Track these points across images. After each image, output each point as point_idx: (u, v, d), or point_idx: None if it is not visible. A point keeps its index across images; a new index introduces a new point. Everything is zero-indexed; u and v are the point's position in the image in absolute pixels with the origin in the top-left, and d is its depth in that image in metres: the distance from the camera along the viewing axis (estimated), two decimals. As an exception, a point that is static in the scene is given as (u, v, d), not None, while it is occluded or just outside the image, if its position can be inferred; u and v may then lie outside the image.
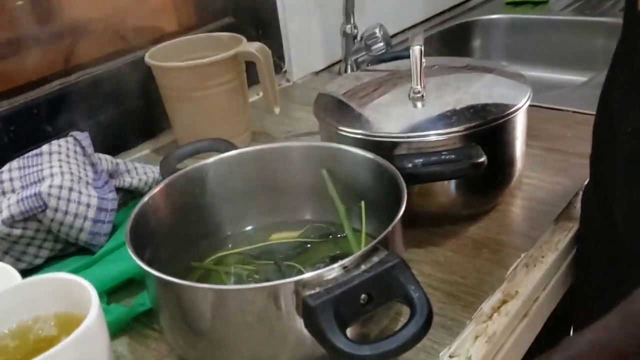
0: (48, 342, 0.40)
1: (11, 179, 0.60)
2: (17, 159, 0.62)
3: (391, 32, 1.09)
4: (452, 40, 1.36)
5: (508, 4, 1.45)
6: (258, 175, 0.60)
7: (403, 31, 1.29)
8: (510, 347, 0.53)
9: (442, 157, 0.56)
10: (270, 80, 0.81)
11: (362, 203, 0.55)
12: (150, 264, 0.45)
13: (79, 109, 0.79)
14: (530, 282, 0.56)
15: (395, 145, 0.58)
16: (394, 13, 1.25)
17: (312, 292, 0.40)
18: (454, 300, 0.53)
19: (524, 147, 0.64)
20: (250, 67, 0.81)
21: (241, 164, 0.59)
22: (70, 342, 0.36)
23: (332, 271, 0.42)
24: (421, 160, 0.55)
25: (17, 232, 0.58)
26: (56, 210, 0.58)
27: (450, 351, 0.48)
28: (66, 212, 0.59)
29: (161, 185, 0.55)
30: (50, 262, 0.62)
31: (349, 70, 1.07)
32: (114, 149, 0.81)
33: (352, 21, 1.07)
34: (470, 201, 0.62)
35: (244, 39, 0.81)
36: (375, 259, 0.43)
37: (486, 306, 0.53)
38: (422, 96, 0.61)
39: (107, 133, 0.81)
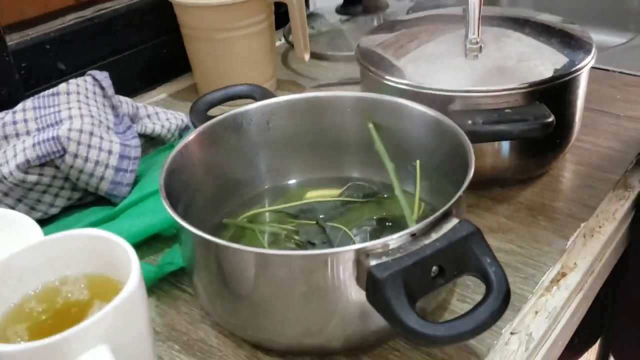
0: (80, 307, 0.36)
1: (25, 120, 0.55)
2: (32, 98, 0.57)
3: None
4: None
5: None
6: (299, 126, 0.55)
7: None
8: (566, 322, 0.49)
9: (506, 115, 0.51)
10: (302, 24, 0.75)
11: (417, 162, 0.50)
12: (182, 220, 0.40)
13: (94, 47, 0.73)
14: (589, 253, 0.52)
15: (450, 100, 0.53)
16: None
17: (379, 261, 0.36)
18: (513, 271, 0.49)
19: (583, 109, 0.59)
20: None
21: (282, 113, 0.54)
22: (113, 309, 0.31)
23: (400, 239, 0.37)
24: (482, 118, 0.50)
25: (32, 178, 0.53)
26: (76, 156, 0.53)
27: (512, 327, 0.44)
28: (86, 159, 0.54)
29: (195, 133, 0.50)
30: (66, 212, 0.57)
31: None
32: (129, 91, 0.75)
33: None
34: (524, 164, 0.58)
35: (276, -22, 0.75)
36: (446, 227, 0.38)
37: (546, 279, 0.49)
38: (480, 47, 0.56)
39: (122, 73, 0.75)
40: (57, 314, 0.36)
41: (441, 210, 0.38)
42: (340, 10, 0.92)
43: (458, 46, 0.58)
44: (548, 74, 0.53)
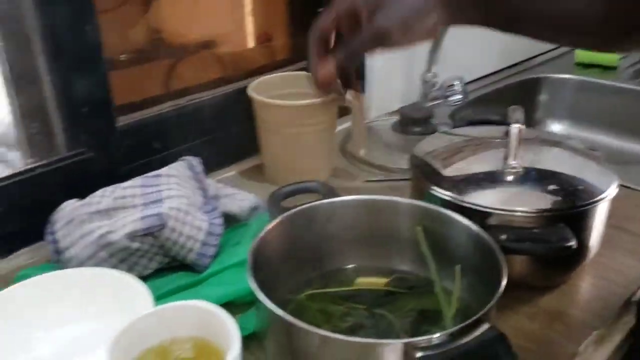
0: (187, 364, 0.46)
1: (133, 195, 0.67)
2: (139, 177, 0.69)
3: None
4: (519, 93, 1.41)
5: (578, 64, 1.49)
6: (357, 221, 0.65)
7: (475, 80, 1.34)
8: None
9: (533, 234, 0.60)
10: (362, 124, 0.86)
11: (458, 267, 0.60)
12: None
13: (183, 130, 0.85)
14: (598, 358, 0.60)
15: (487, 215, 0.63)
16: (469, 63, 1.30)
17: (424, 354, 0.45)
18: (528, 368, 0.57)
19: (603, 230, 0.68)
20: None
21: (344, 210, 0.65)
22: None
23: (441, 337, 0.47)
24: (514, 235, 0.60)
25: (135, 245, 0.64)
26: (173, 230, 0.64)
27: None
28: (181, 233, 0.65)
29: (275, 222, 0.60)
30: (156, 274, 0.68)
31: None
32: (206, 169, 0.87)
33: (432, 70, 1.12)
34: (546, 274, 0.67)
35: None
36: (479, 330, 0.47)
37: (558, 379, 0.57)
38: (517, 172, 0.66)
39: (202, 153, 0.87)
40: (169, 368, 0.46)
41: (475, 317, 0.48)
42: (395, 127, 1.04)
43: (498, 166, 0.68)
44: (574, 201, 0.63)
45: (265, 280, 0.58)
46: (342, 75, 0.72)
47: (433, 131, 1.00)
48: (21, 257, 0.73)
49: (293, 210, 0.62)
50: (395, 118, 1.07)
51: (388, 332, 0.57)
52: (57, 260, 0.67)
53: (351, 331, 0.58)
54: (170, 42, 0.91)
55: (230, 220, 0.75)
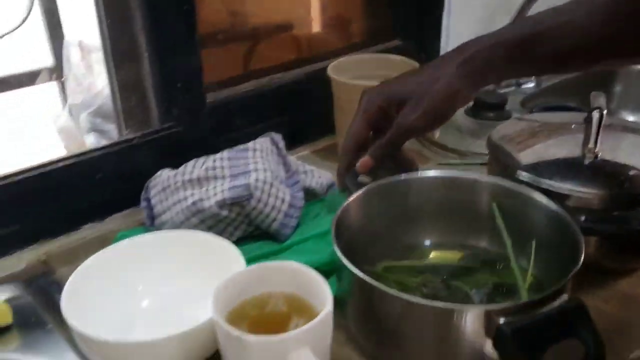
0: (282, 317, 0.49)
1: (222, 167, 0.71)
2: (227, 150, 0.73)
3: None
4: (592, 83, 1.39)
5: (654, 56, 1.45)
6: (436, 196, 0.67)
7: (546, 70, 1.33)
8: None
9: (612, 216, 0.61)
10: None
11: (533, 242, 0.62)
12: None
13: (264, 107, 0.89)
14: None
15: (566, 197, 0.64)
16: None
17: (506, 319, 0.48)
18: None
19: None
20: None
21: (422, 186, 0.67)
22: (318, 323, 0.44)
23: (521, 305, 0.49)
24: (592, 216, 0.61)
25: (224, 213, 0.68)
26: (259, 200, 0.68)
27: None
28: (266, 204, 0.68)
29: (358, 193, 0.63)
30: (239, 242, 0.72)
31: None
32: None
33: (507, 57, 1.12)
34: (623, 258, 0.68)
35: (417, 65, 0.89)
36: (557, 301, 0.49)
37: None
38: (597, 156, 0.67)
39: (281, 130, 0.91)
40: (265, 318, 0.49)
41: (555, 287, 0.50)
42: (469, 112, 1.05)
43: (578, 150, 0.69)
44: (653, 186, 0.63)
45: (344, 250, 0.61)
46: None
47: (507, 117, 1.00)
48: (115, 221, 0.78)
49: (374, 184, 0.65)
50: (469, 103, 1.08)
51: (464, 303, 0.60)
52: (151, 225, 0.72)
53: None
54: (251, 24, 0.95)
55: (308, 195, 0.78)
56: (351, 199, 0.63)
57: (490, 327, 0.49)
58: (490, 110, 1.02)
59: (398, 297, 0.52)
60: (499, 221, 0.65)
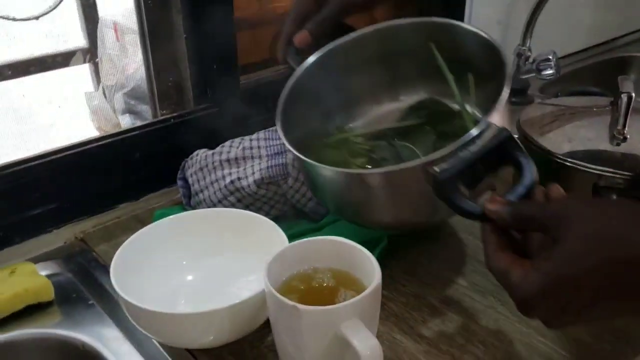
0: (330, 290, 0.51)
1: (259, 147, 0.72)
2: (263, 130, 0.74)
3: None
4: (605, 72, 1.40)
5: (668, 45, 1.47)
6: (373, 51, 0.69)
7: (564, 57, 1.35)
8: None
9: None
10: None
11: (470, 75, 0.64)
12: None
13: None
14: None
15: (599, 177, 0.65)
16: (559, 40, 1.30)
17: (440, 169, 0.50)
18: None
19: None
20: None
21: (357, 46, 0.68)
22: (368, 294, 0.46)
23: (450, 148, 0.51)
24: (623, 195, 0.63)
25: (261, 191, 0.69)
26: (296, 180, 0.69)
27: None
28: (302, 183, 0.70)
29: (302, 68, 0.66)
30: (275, 221, 0.73)
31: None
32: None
33: (527, 44, 1.13)
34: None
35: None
36: (488, 135, 0.51)
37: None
38: (625, 138, 0.68)
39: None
40: (313, 292, 0.51)
41: (483, 122, 0.52)
42: None
43: (605, 132, 0.70)
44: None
45: (297, 129, 0.64)
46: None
47: (529, 102, 1.02)
48: (150, 200, 0.80)
49: (313, 56, 0.66)
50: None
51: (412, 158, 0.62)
52: (187, 204, 0.74)
53: (379, 165, 0.64)
54: (279, 9, 0.96)
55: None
56: (295, 78, 0.65)
57: (429, 177, 0.51)
58: (513, 95, 1.03)
59: (339, 171, 0.56)
60: (438, 59, 0.66)
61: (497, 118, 0.54)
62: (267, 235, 0.60)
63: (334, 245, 0.53)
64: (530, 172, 0.50)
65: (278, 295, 0.46)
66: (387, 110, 0.72)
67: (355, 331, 0.44)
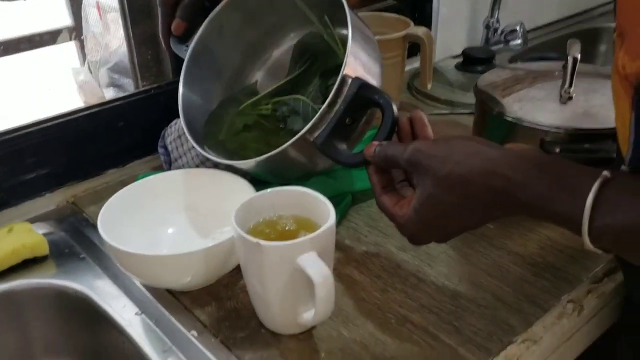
0: (292, 233, 0.57)
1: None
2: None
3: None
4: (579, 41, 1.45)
5: (638, 15, 1.51)
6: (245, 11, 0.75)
7: (535, 29, 1.40)
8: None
9: (584, 148, 0.69)
10: (430, 61, 0.95)
11: (325, 16, 0.71)
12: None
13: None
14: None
15: (545, 132, 0.71)
16: (529, 12, 1.35)
17: (315, 134, 0.60)
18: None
19: None
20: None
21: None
22: (322, 231, 0.52)
23: (322, 114, 0.60)
24: (566, 148, 0.69)
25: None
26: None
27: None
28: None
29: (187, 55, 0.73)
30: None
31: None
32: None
33: (496, 16, 1.19)
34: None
35: (411, 22, 0.95)
36: (345, 89, 0.60)
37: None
38: (571, 97, 0.74)
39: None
40: (277, 234, 0.57)
41: (337, 81, 0.59)
42: (459, 66, 1.12)
43: (555, 93, 0.76)
44: (621, 122, 0.70)
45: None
46: None
47: (494, 69, 1.07)
48: (136, 167, 0.85)
49: (194, 42, 0.72)
50: (459, 60, 1.15)
51: (305, 108, 0.71)
52: (168, 169, 0.80)
53: (284, 122, 0.73)
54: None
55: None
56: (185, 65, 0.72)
57: (311, 145, 0.61)
58: (479, 64, 1.09)
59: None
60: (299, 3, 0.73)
61: (353, 66, 0.61)
62: (239, 191, 0.66)
63: (296, 194, 0.59)
64: (390, 109, 0.58)
65: (244, 234, 0.52)
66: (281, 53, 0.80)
67: (310, 262, 0.51)
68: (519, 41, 1.19)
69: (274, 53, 0.81)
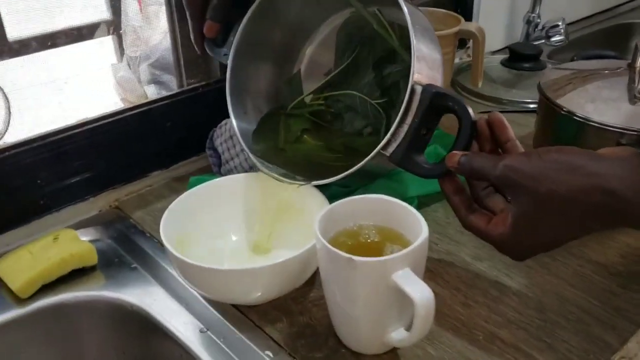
0: (377, 245, 0.53)
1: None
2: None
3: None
4: (611, 38, 1.42)
5: (671, 11, 1.49)
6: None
7: (569, 24, 1.36)
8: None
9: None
10: (482, 57, 0.91)
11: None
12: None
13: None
14: None
15: (622, 135, 0.68)
16: (567, 6, 1.32)
17: (392, 149, 0.57)
18: None
19: None
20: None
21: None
22: (417, 246, 0.48)
23: (395, 130, 0.56)
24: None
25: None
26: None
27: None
28: (332, 148, 0.72)
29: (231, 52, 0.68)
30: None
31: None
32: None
33: (537, 11, 1.15)
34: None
35: (462, 19, 0.91)
36: (416, 100, 0.55)
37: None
38: (645, 97, 0.70)
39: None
40: (361, 246, 0.53)
41: (407, 93, 0.55)
42: (505, 63, 1.08)
43: (624, 93, 0.72)
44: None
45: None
46: None
47: (542, 67, 1.04)
48: (181, 168, 0.81)
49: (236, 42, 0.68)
50: (502, 56, 1.11)
51: (362, 104, 0.68)
52: (217, 172, 0.76)
53: (341, 117, 0.70)
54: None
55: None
56: (230, 65, 0.68)
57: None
58: (526, 61, 1.05)
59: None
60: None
61: (419, 69, 0.57)
62: (307, 197, 0.62)
63: (378, 202, 0.55)
64: (467, 115, 0.54)
65: (332, 248, 0.48)
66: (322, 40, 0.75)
67: (408, 280, 0.47)
68: (560, 37, 1.15)
69: (307, 51, 0.76)
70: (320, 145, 0.69)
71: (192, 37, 0.69)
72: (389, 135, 0.56)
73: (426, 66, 0.59)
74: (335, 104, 0.71)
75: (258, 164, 0.64)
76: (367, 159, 0.57)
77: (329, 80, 0.72)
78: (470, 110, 0.55)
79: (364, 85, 0.69)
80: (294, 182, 0.62)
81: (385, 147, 0.57)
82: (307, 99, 0.73)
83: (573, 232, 0.51)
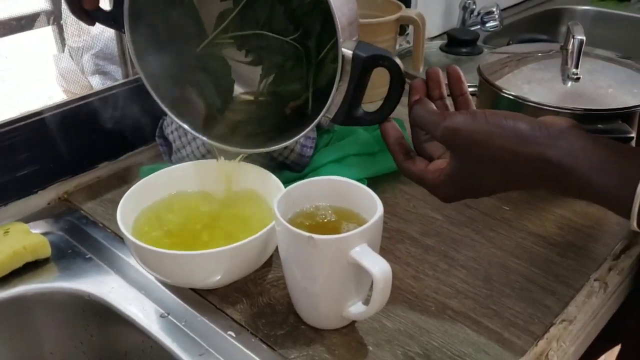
0: (333, 224, 0.55)
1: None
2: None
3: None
4: (542, 23, 1.49)
5: (594, -3, 1.57)
6: None
7: (504, 9, 1.42)
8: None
9: (596, 129, 0.70)
10: (422, 43, 0.94)
11: None
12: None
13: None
14: None
15: (556, 114, 0.72)
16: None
17: (332, 115, 0.57)
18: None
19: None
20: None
21: None
22: (372, 223, 0.50)
23: (335, 97, 0.56)
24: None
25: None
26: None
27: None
28: (284, 133, 0.73)
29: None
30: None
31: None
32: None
33: (472, -3, 1.19)
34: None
35: (403, 6, 0.94)
36: (348, 66, 0.55)
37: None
38: (578, 78, 0.75)
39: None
40: (319, 226, 0.55)
41: (339, 67, 0.55)
42: (443, 48, 1.12)
43: (558, 74, 0.77)
44: (632, 102, 0.72)
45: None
46: None
47: (479, 52, 1.08)
48: (129, 159, 0.81)
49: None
50: (440, 41, 1.14)
51: (276, 42, 0.66)
52: (169, 160, 0.76)
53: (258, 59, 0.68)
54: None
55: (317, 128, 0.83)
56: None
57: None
58: (464, 46, 1.09)
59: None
60: None
61: (344, 29, 0.55)
62: (261, 182, 0.63)
63: (334, 183, 0.57)
64: (396, 68, 0.55)
65: (293, 228, 0.50)
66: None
67: (366, 255, 0.49)
68: (495, 22, 1.20)
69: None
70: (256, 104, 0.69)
71: (72, 11, 0.65)
72: (326, 108, 0.57)
73: (347, 22, 0.57)
74: (246, 43, 0.67)
75: (194, 133, 0.63)
76: (309, 127, 0.58)
77: (232, 17, 0.67)
78: (398, 61, 0.56)
79: (269, 21, 0.65)
80: (250, 149, 0.63)
81: (326, 113, 0.58)
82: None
83: (507, 189, 0.54)
